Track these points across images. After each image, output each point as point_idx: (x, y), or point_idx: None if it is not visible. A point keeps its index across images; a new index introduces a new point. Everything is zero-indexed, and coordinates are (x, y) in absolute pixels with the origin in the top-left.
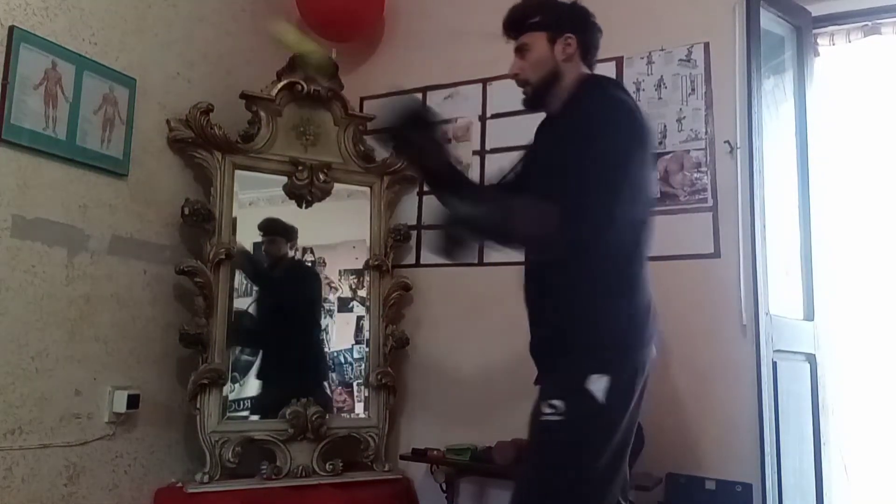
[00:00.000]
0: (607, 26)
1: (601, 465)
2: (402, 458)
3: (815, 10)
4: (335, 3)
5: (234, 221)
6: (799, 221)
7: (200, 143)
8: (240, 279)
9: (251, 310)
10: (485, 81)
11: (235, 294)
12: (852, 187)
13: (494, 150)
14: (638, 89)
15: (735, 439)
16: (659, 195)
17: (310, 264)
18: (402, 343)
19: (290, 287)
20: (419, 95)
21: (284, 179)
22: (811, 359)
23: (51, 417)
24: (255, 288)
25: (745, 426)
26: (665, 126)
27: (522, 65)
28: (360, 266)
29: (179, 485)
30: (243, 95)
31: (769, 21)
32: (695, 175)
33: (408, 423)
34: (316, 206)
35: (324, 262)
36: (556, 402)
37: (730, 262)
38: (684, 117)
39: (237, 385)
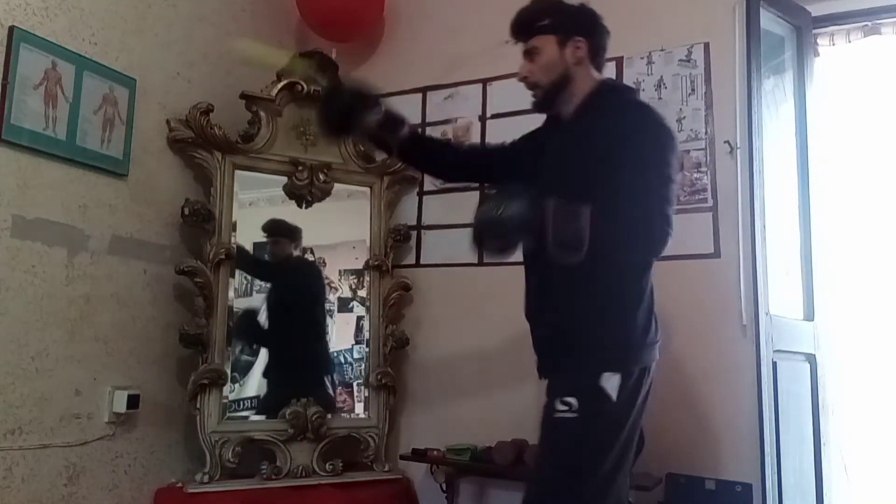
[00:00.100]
0: (607, 26)
1: (609, 462)
2: (402, 458)
3: (815, 10)
4: (335, 3)
5: (233, 222)
6: (799, 221)
7: (200, 143)
8: (240, 279)
9: (256, 309)
10: (485, 81)
11: (235, 294)
12: (852, 187)
13: None
14: (638, 89)
15: (735, 439)
16: None
17: (313, 263)
18: (402, 343)
19: (295, 286)
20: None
21: (284, 179)
22: (811, 359)
23: (51, 417)
24: (254, 289)
25: (745, 426)
26: None
27: (532, 68)
28: (360, 266)
29: (179, 485)
30: (243, 95)
31: (769, 21)
32: (695, 175)
33: (408, 423)
34: (316, 206)
35: (324, 262)
36: (569, 400)
37: (730, 262)
38: (684, 117)
39: (237, 385)
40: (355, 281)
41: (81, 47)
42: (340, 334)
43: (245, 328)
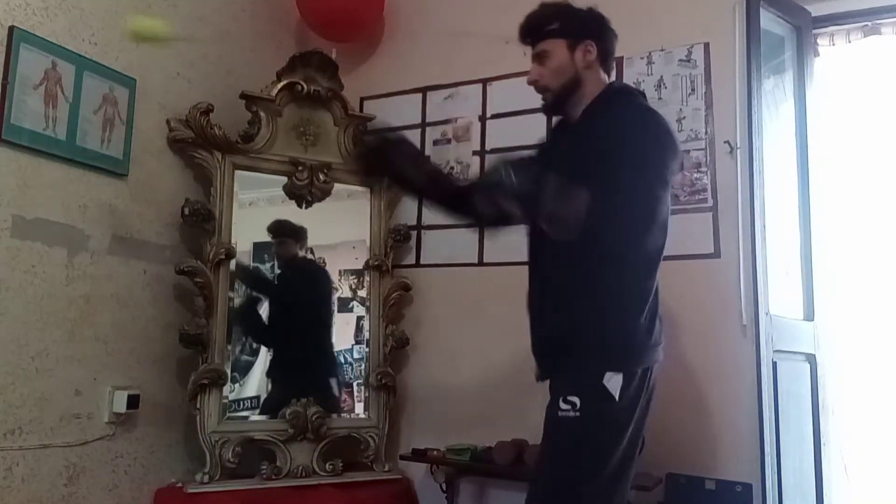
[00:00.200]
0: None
1: (613, 462)
2: (402, 458)
3: (815, 11)
4: (335, 3)
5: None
6: (799, 221)
7: (200, 143)
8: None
9: (262, 310)
10: (485, 81)
11: (236, 294)
12: (852, 187)
13: (494, 151)
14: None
15: (735, 439)
16: None
17: (320, 265)
18: (402, 343)
19: (301, 288)
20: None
21: (284, 179)
22: (811, 359)
23: (51, 417)
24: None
25: (745, 426)
26: None
27: (542, 71)
28: (360, 266)
29: (179, 485)
30: (243, 95)
31: (769, 21)
32: (695, 175)
33: (408, 423)
34: (316, 206)
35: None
36: (573, 399)
37: (730, 262)
38: (684, 117)
39: (237, 385)
40: (355, 281)
41: (81, 47)
42: (340, 334)
43: (246, 319)
